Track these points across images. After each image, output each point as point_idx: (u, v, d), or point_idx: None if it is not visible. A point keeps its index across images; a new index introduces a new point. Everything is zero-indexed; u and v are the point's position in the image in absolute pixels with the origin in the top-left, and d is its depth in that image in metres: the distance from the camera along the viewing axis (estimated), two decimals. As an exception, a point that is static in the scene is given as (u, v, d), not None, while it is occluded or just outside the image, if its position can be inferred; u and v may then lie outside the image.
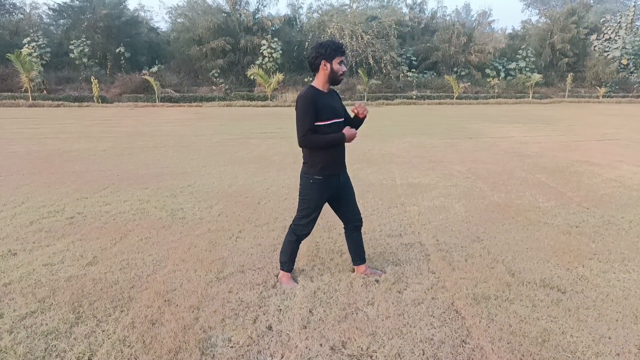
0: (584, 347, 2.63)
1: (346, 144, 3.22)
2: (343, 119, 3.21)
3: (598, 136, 12.28)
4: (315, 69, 3.09)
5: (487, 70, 31.59)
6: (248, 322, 2.87)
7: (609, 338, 2.72)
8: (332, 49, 3.01)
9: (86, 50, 26.45)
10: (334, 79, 3.07)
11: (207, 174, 7.14)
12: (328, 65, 3.02)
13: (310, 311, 3.01)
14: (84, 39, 26.49)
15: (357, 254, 3.55)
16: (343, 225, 3.56)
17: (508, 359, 2.53)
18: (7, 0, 31.22)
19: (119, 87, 24.72)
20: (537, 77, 28.82)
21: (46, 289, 3.25)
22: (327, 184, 3.20)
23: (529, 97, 28.70)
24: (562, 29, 33.00)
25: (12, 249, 4.02)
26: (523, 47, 32.85)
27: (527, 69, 31.94)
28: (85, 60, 26.48)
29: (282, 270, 3.43)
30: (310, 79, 28.45)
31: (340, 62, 3.05)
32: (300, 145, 3.10)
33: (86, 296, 3.17)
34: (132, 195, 5.89)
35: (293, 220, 3.36)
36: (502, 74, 31.90)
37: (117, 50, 27.24)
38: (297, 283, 3.42)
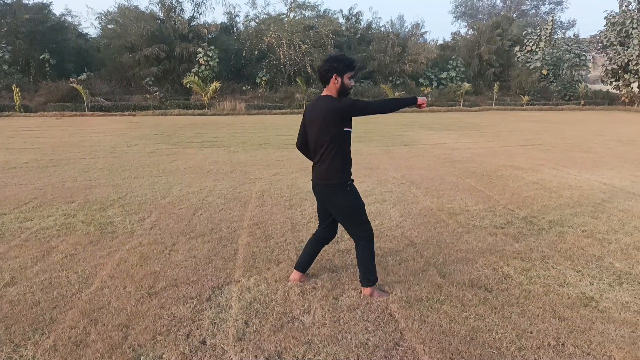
0: (508, 343, 2.77)
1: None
2: None
3: (522, 141, 13.06)
4: (326, 82, 3.14)
5: (421, 80, 32.82)
6: (180, 338, 2.78)
7: (531, 333, 2.88)
8: (345, 65, 3.07)
9: (7, 56, 24.77)
10: (343, 92, 3.13)
11: (140, 186, 6.88)
12: (339, 79, 3.08)
13: (245, 323, 2.97)
14: (4, 45, 24.81)
15: (308, 263, 3.57)
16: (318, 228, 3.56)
17: (439, 358, 2.61)
18: None
19: (43, 96, 23.27)
20: (466, 86, 30.25)
21: (-44, 315, 2.99)
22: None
23: (459, 105, 30.03)
24: (488, 40, 34.96)
25: None
26: (453, 57, 34.46)
27: (458, 78, 33.51)
28: (5, 67, 24.77)
29: (372, 286, 3.35)
30: (249, 87, 28.34)
31: (351, 77, 3.12)
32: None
33: (2, 320, 2.94)
34: (57, 209, 5.56)
35: (361, 233, 3.27)
36: (435, 83, 33.26)
37: (41, 57, 25.69)
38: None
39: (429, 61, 32.66)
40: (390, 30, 34.65)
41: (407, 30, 36.30)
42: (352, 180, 3.25)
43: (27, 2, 27.06)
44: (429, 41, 38.47)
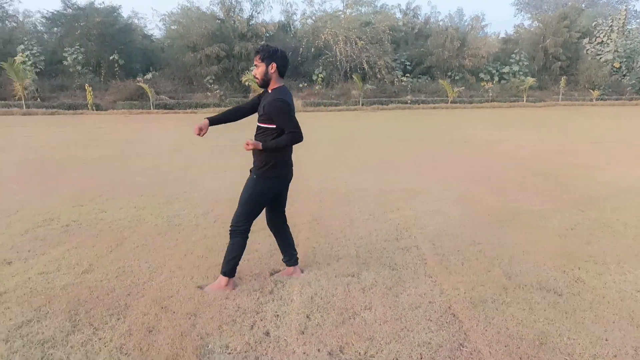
0: (582, 349, 2.63)
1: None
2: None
3: (591, 139, 12.36)
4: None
5: (481, 75, 31.78)
6: (245, 329, 2.86)
7: (606, 340, 2.73)
8: None
9: (80, 57, 26.44)
10: None
11: (203, 180, 7.13)
12: None
13: (307, 316, 3.00)
14: (78, 47, 26.48)
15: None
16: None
17: (506, 361, 2.53)
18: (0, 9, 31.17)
19: (113, 94, 24.68)
20: (530, 80, 28.98)
21: (42, 298, 3.23)
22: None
23: (523, 100, 28.86)
24: (554, 33, 33.25)
25: (7, 257, 3.99)
26: (516, 51, 33.06)
27: (521, 72, 32.14)
28: (79, 67, 26.47)
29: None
30: (305, 84, 28.66)
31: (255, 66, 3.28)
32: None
33: (82, 304, 3.15)
34: (128, 202, 5.87)
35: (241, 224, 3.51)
36: (496, 78, 32.09)
37: (111, 58, 27.22)
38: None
39: (490, 55, 31.58)
40: (449, 24, 33.91)
41: (466, 23, 35.34)
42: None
43: (99, 6, 28.73)
44: (490, 35, 37.18)
